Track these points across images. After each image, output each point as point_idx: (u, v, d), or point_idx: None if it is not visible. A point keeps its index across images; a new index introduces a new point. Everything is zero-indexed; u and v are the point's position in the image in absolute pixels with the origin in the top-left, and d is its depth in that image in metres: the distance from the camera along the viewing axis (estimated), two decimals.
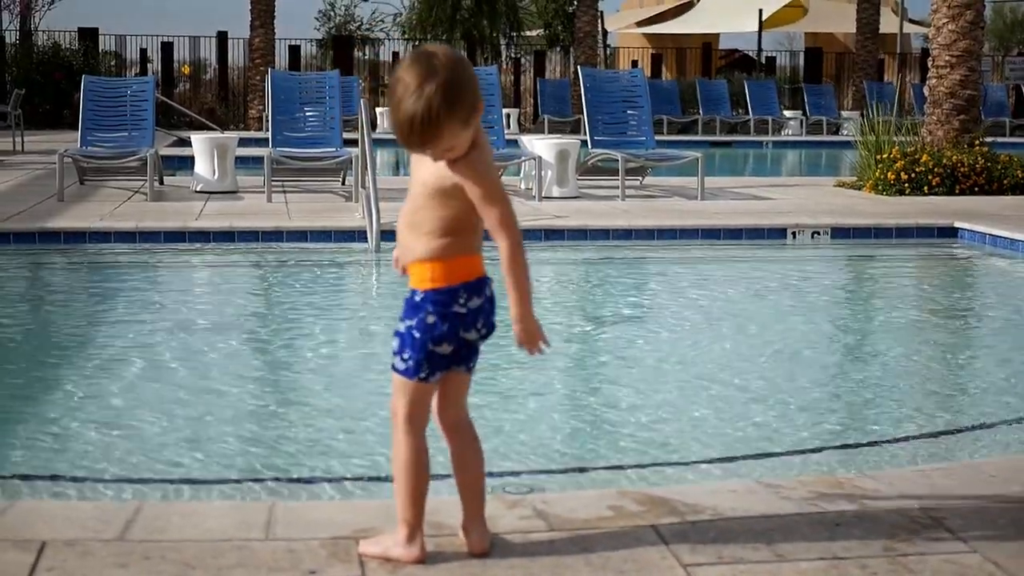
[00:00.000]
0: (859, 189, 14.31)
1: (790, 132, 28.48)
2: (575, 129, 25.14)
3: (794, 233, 10.87)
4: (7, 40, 28.97)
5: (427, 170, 3.05)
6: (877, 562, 3.15)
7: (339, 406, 5.57)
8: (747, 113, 28.54)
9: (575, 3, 32.21)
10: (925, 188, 13.78)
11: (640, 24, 44.35)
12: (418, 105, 2.89)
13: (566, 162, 13.19)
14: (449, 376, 3.13)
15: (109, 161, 13.06)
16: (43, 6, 29.60)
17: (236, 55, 31.15)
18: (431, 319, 3.03)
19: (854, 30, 32.85)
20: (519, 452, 4.84)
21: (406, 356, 3.06)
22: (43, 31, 29.84)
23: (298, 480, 4.53)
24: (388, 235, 9.00)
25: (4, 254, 9.69)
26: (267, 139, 13.71)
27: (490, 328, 3.14)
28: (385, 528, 3.24)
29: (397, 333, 3.09)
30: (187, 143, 16.10)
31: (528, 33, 37.50)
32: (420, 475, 3.12)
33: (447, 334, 3.04)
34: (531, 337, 3.04)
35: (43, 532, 3.27)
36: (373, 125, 21.33)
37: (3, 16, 29.44)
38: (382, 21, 37.82)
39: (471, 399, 3.24)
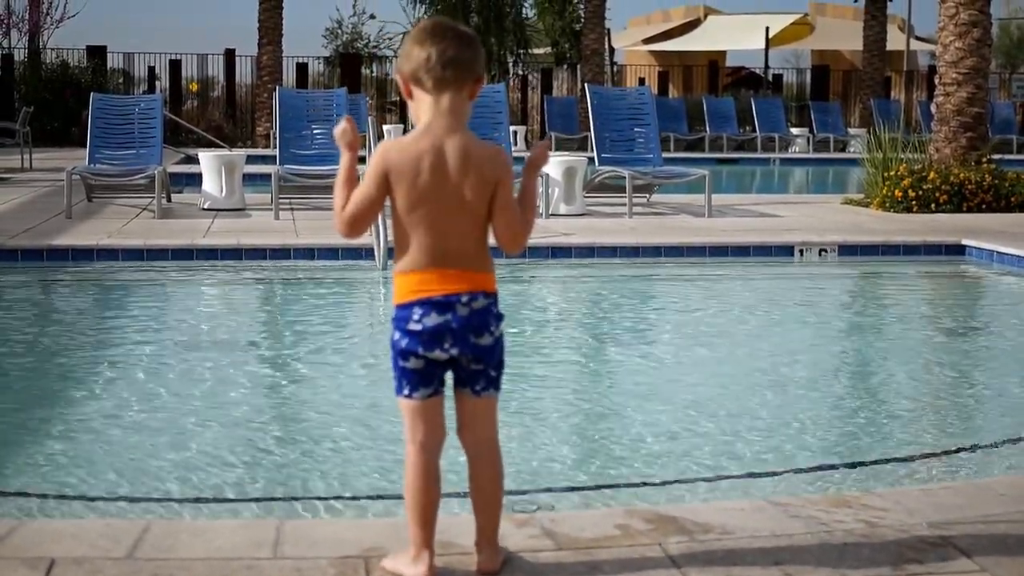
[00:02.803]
0: (866, 206, 14.31)
1: (797, 149, 28.50)
2: (582, 146, 25.14)
3: (801, 250, 10.87)
4: (16, 58, 29.07)
5: None
6: None
7: (346, 423, 5.56)
8: (754, 130, 28.56)
9: (582, 21, 32.26)
10: (932, 205, 13.77)
11: (647, 41, 44.40)
12: None
13: (573, 179, 13.20)
14: (458, 396, 3.13)
15: (117, 179, 13.08)
16: (51, 24, 29.71)
17: (244, 72, 31.31)
18: (396, 335, 3.08)
19: (861, 47, 32.88)
20: (527, 470, 4.83)
21: (393, 375, 3.11)
22: (52, 49, 29.95)
23: (306, 498, 4.52)
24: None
25: (12, 271, 9.72)
26: (275, 156, 13.74)
27: (470, 351, 3.02)
28: (393, 546, 3.24)
29: None
30: (195, 160, 16.14)
31: (535, 51, 37.52)
32: (425, 495, 3.10)
33: (408, 350, 3.04)
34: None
35: (52, 550, 3.27)
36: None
37: (12, 34, 29.58)
38: (389, 39, 37.80)
39: None
